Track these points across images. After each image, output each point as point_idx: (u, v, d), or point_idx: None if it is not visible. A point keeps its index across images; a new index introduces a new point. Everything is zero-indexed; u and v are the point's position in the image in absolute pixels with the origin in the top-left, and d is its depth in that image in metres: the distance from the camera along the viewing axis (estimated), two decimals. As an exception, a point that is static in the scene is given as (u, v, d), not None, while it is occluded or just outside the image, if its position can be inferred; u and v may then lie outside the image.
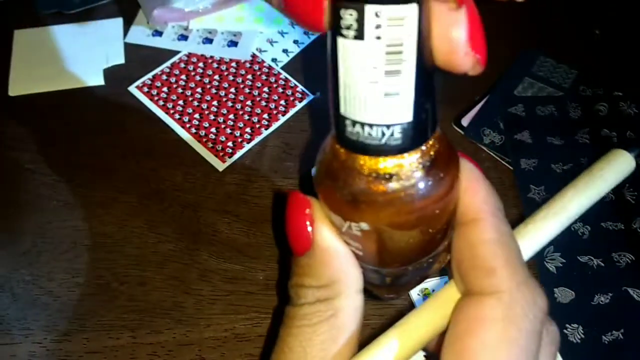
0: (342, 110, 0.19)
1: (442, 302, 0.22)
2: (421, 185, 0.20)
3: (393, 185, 0.20)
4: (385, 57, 0.18)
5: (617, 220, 0.38)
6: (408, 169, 0.20)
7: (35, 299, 0.35)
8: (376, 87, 0.18)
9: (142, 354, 0.33)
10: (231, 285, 0.36)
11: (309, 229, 0.22)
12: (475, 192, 0.22)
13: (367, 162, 0.20)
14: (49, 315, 0.35)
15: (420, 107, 0.19)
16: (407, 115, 0.19)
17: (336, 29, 0.18)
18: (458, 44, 0.18)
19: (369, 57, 0.18)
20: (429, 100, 0.19)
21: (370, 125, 0.19)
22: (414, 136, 0.19)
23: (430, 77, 0.19)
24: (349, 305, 0.22)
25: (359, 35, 0.17)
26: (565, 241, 0.37)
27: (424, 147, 0.20)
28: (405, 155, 0.20)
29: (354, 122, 0.19)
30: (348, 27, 0.17)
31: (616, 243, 0.37)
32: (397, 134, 0.19)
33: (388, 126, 0.19)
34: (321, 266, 0.22)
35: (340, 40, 0.18)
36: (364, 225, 0.21)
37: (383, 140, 0.20)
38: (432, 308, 0.23)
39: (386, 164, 0.20)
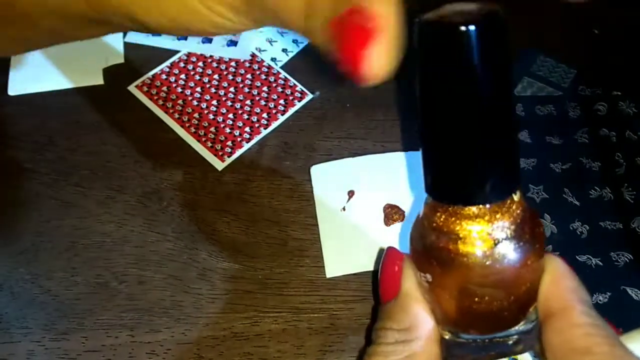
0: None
1: None
2: (483, 256, 0.20)
3: (459, 246, 0.21)
4: None
5: (616, 220, 0.38)
6: (477, 237, 0.20)
7: (34, 297, 0.35)
8: None
9: (140, 353, 0.33)
10: (230, 284, 0.36)
11: (398, 280, 0.24)
12: (561, 283, 0.22)
13: (441, 219, 0.21)
14: (47, 314, 0.35)
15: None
16: None
17: None
18: None
19: None
20: (486, 163, 0.20)
21: None
22: (464, 191, 0.20)
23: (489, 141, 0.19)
24: (424, 351, 0.23)
25: None
26: (563, 240, 0.37)
27: (499, 223, 0.20)
28: (477, 221, 0.20)
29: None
30: None
31: (615, 242, 0.37)
32: None
33: None
34: (402, 312, 0.24)
35: None
36: (429, 277, 0.22)
37: None
38: None
39: (460, 226, 0.20)
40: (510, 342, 0.23)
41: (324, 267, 0.36)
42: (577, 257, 0.36)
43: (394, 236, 0.37)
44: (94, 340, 0.34)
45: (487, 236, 0.20)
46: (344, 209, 0.38)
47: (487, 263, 0.20)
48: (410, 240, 0.23)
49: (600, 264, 0.36)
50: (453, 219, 0.20)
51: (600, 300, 0.35)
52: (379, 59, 0.18)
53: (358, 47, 0.18)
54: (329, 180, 0.40)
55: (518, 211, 0.21)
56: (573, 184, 0.39)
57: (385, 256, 0.26)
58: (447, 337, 0.24)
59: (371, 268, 0.36)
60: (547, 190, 0.39)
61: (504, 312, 0.22)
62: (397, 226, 0.38)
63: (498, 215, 0.20)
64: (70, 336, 0.34)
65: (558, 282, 0.22)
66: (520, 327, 0.23)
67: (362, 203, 0.39)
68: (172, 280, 0.36)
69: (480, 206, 0.20)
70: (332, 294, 0.36)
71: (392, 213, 0.38)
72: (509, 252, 0.20)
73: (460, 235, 0.20)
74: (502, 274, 0.21)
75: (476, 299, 0.21)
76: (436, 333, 0.24)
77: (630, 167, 0.40)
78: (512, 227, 0.20)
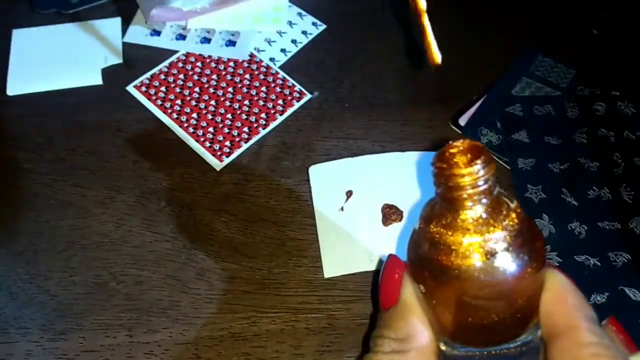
0: None
1: None
2: (475, 269, 0.20)
3: (452, 259, 0.20)
4: None
5: (614, 220, 0.38)
6: (471, 250, 0.20)
7: (32, 297, 0.35)
8: None
9: (138, 353, 0.33)
10: (228, 285, 0.36)
11: (398, 289, 0.25)
12: (565, 300, 0.22)
13: (435, 230, 0.21)
14: (45, 314, 0.35)
15: None
16: None
17: None
18: None
19: None
20: None
21: None
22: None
23: None
24: None
25: None
26: (561, 241, 0.37)
27: (494, 234, 0.20)
28: (471, 233, 0.20)
29: None
30: None
31: (613, 243, 0.37)
32: None
33: None
34: (400, 320, 0.24)
35: None
36: (422, 288, 0.22)
37: None
38: None
39: (454, 237, 0.20)
40: (511, 355, 0.23)
41: (322, 267, 0.36)
42: (575, 257, 0.36)
43: (392, 236, 0.37)
44: (92, 340, 0.34)
45: (481, 249, 0.20)
46: (342, 209, 0.38)
47: (480, 276, 0.20)
48: (407, 250, 0.23)
49: (599, 264, 0.36)
50: (447, 230, 0.20)
51: (598, 301, 0.35)
52: None
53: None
54: (327, 180, 0.40)
55: (514, 222, 0.20)
56: (571, 184, 0.39)
57: (386, 264, 0.26)
58: (443, 348, 0.24)
59: (369, 268, 0.36)
60: (546, 191, 0.39)
61: (500, 325, 0.21)
62: (395, 226, 0.38)
63: (492, 228, 0.20)
64: (69, 336, 0.34)
65: (562, 299, 0.22)
66: (521, 340, 0.22)
67: (360, 203, 0.39)
68: (170, 281, 0.36)
69: (475, 217, 0.20)
70: (330, 294, 0.36)
71: (390, 213, 0.38)
72: (504, 265, 0.20)
73: (454, 248, 0.20)
74: (497, 287, 0.20)
75: (470, 312, 0.21)
76: (433, 345, 0.24)
77: (629, 168, 0.40)
78: (508, 239, 0.20)
